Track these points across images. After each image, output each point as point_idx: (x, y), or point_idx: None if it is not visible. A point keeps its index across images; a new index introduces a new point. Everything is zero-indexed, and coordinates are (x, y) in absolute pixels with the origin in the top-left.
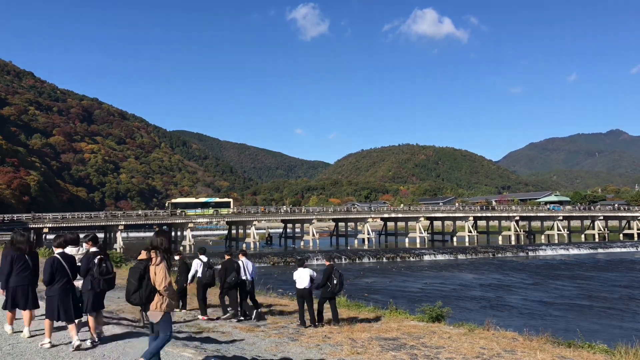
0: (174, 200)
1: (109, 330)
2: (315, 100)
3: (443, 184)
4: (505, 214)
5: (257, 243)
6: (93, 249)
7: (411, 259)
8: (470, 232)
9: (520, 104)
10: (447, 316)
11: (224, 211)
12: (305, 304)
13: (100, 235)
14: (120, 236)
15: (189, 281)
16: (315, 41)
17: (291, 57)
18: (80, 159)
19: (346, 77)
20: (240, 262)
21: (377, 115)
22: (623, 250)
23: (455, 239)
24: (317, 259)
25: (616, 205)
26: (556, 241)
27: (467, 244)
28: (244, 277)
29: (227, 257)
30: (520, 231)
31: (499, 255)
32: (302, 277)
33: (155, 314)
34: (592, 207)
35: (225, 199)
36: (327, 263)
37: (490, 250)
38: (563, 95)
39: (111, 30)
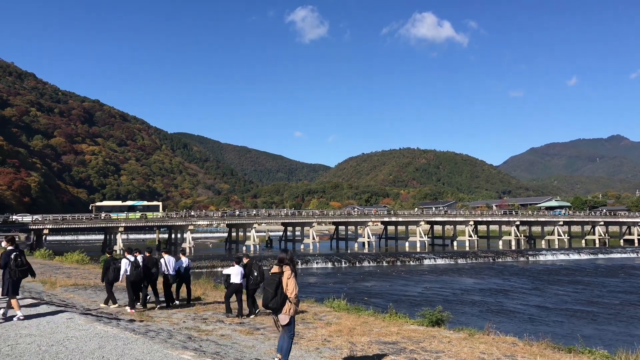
0: (98, 204)
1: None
2: (314, 103)
3: (444, 188)
4: (506, 219)
5: (258, 246)
6: (10, 247)
7: (411, 262)
8: (470, 236)
9: (520, 108)
10: (447, 320)
11: (150, 215)
12: (235, 297)
13: (101, 237)
14: (120, 238)
15: (120, 279)
16: (314, 44)
17: (290, 59)
18: (81, 160)
19: (345, 80)
20: (162, 260)
21: (378, 119)
22: (623, 255)
23: (455, 243)
24: (317, 262)
25: (605, 210)
26: (556, 246)
27: (467, 249)
28: (165, 272)
29: (147, 254)
30: (521, 236)
31: (499, 260)
32: (236, 273)
33: (285, 317)
34: (593, 213)
35: (154, 203)
36: (246, 260)
37: (491, 254)
38: (563, 100)
39: (112, 32)
